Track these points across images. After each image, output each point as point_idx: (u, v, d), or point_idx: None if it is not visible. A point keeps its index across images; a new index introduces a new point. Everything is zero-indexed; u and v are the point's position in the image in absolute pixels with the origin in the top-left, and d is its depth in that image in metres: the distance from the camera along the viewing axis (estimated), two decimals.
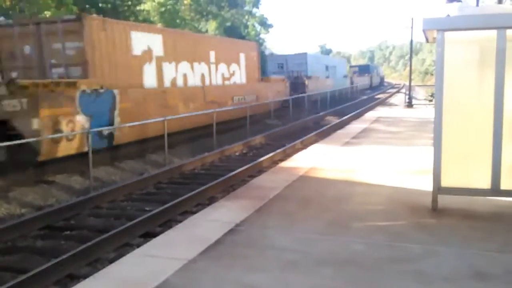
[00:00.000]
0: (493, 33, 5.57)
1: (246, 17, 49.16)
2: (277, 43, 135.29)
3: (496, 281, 4.09)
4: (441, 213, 5.93)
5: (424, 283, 4.07)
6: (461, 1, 8.47)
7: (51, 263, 6.18)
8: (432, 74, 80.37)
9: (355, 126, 16.39)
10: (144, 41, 14.72)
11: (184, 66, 16.96)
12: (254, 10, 50.40)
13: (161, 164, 13.53)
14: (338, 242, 5.06)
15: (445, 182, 5.90)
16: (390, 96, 46.34)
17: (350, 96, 42.43)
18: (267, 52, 44.23)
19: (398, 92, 54.93)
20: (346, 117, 23.70)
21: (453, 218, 5.78)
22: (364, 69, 62.21)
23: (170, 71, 16.08)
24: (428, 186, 6.21)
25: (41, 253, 7.13)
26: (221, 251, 4.82)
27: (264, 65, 31.13)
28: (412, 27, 30.61)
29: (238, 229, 5.49)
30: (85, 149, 11.15)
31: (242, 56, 21.88)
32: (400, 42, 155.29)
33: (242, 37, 41.82)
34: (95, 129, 11.69)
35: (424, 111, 22.56)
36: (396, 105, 33.56)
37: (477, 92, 5.93)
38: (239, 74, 21.54)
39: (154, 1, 33.73)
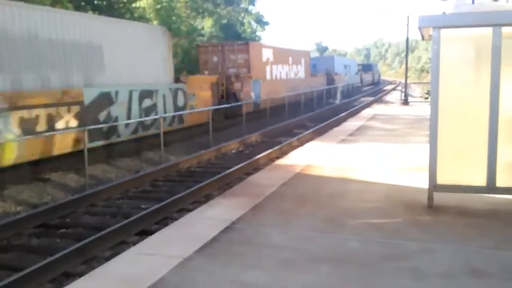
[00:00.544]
0: (489, 30, 5.57)
1: (242, 14, 49.09)
2: (274, 40, 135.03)
3: (492, 278, 4.10)
4: (437, 210, 5.94)
5: (420, 280, 4.07)
6: None
7: (47, 261, 6.17)
8: (428, 72, 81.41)
9: (351, 124, 16.40)
10: (266, 53, 25.78)
11: (281, 67, 28.20)
12: (250, 7, 50.34)
13: (157, 162, 13.51)
14: (334, 239, 5.07)
15: (441, 179, 5.91)
16: (386, 94, 49.59)
17: (360, 89, 53.26)
18: None
19: (394, 89, 56.50)
20: (343, 113, 23.91)
21: (448, 215, 5.79)
22: (367, 67, 69.29)
23: (275, 70, 27.15)
24: (424, 183, 6.21)
25: (36, 251, 7.12)
26: (217, 249, 4.82)
27: None
28: (408, 25, 30.59)
29: (234, 226, 5.48)
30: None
31: (302, 60, 32.78)
32: (396, 40, 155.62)
33: (238, 35, 41.79)
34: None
35: (420, 109, 22.60)
36: (392, 102, 33.64)
37: (473, 90, 5.94)
38: (302, 71, 32.60)
39: None
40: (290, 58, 30.01)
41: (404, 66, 35.31)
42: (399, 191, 6.95)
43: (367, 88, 58.06)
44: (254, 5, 50.41)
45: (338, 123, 18.59)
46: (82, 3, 25.59)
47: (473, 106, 5.86)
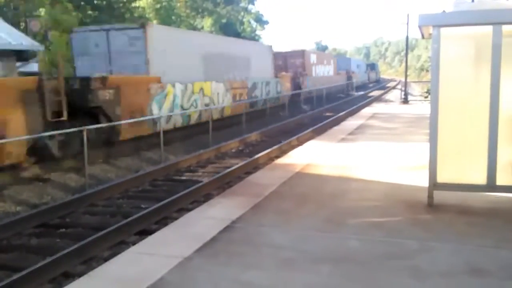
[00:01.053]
0: (489, 28, 5.56)
1: (242, 13, 49.13)
2: (273, 39, 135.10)
3: (491, 277, 4.09)
4: (437, 209, 5.94)
5: (420, 279, 4.07)
6: None
7: (46, 261, 6.16)
8: (427, 70, 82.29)
9: (351, 123, 16.39)
10: (312, 57, 35.25)
11: (320, 67, 37.07)
12: (250, 6, 50.41)
13: (157, 161, 13.50)
14: (335, 238, 5.06)
15: (441, 178, 5.90)
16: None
17: (367, 86, 62.45)
18: None
19: (394, 87, 58.13)
20: (342, 113, 23.90)
21: (449, 213, 5.78)
22: (372, 67, 78.05)
23: (317, 69, 36.24)
24: (424, 182, 6.20)
25: (36, 251, 7.10)
26: (217, 249, 4.81)
27: None
28: (407, 23, 30.57)
29: (234, 226, 5.47)
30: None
31: (332, 61, 42.58)
32: (396, 38, 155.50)
33: (237, 34, 41.78)
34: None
35: (420, 107, 22.58)
36: (392, 101, 33.61)
37: (473, 88, 5.93)
38: (331, 70, 41.94)
39: None
40: (325, 60, 40.27)
41: (404, 64, 35.43)
42: (399, 190, 6.94)
43: (372, 85, 65.93)
44: (253, 4, 50.53)
45: (337, 122, 18.57)
46: (82, 3, 25.56)
47: (473, 104, 5.85)
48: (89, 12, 26.42)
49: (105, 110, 12.95)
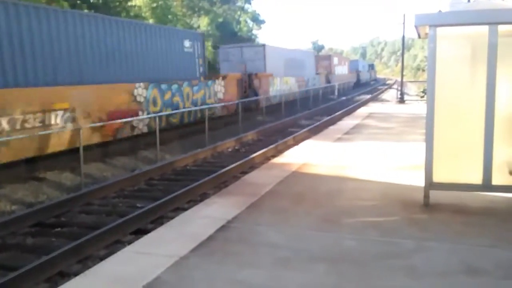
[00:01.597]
0: (485, 28, 5.57)
1: (238, 13, 49.10)
2: (270, 39, 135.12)
3: (488, 276, 4.10)
4: (433, 208, 5.95)
5: (416, 278, 4.07)
6: None
7: (42, 260, 6.14)
8: (424, 70, 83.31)
9: (347, 122, 16.41)
10: (335, 60, 47.87)
11: (339, 67, 48.93)
12: (246, 6, 50.37)
13: (153, 161, 13.49)
14: (331, 238, 5.06)
15: (437, 178, 5.91)
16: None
17: (369, 83, 73.61)
18: None
19: (390, 87, 60.44)
20: (338, 113, 23.95)
21: (445, 213, 5.79)
22: (371, 67, 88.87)
23: (337, 69, 47.36)
24: (420, 182, 6.21)
25: (31, 250, 7.08)
26: (213, 248, 4.80)
27: None
28: (404, 23, 30.68)
29: (230, 225, 5.47)
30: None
31: (347, 63, 54.89)
32: (392, 38, 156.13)
33: (234, 33, 41.76)
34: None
35: (416, 107, 22.64)
36: (388, 101, 33.68)
37: (469, 88, 5.94)
38: (346, 70, 53.42)
39: None
40: (342, 62, 52.86)
41: (400, 64, 35.79)
42: (395, 190, 6.95)
43: (373, 83, 78.10)
44: (250, 4, 50.44)
45: (333, 122, 18.59)
46: (78, 1, 25.46)
47: (469, 104, 5.86)
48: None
49: (256, 90, 24.79)
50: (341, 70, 50.30)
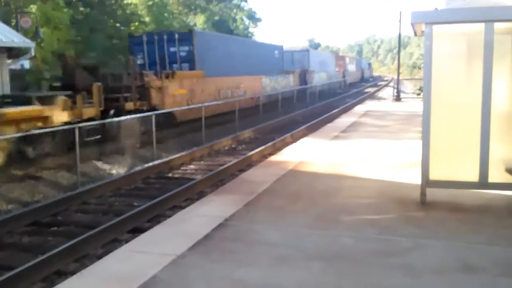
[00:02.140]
0: (481, 26, 5.57)
1: (235, 11, 49.04)
2: (266, 37, 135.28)
3: (484, 274, 4.11)
4: (430, 206, 5.96)
5: (413, 276, 4.07)
6: None
7: (38, 259, 6.12)
8: (420, 68, 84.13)
9: (344, 120, 16.42)
10: (347, 60, 60.19)
11: (350, 65, 60.06)
12: (243, 4, 50.30)
13: (150, 159, 13.46)
14: (328, 236, 5.06)
15: (434, 175, 5.92)
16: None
17: (369, 79, 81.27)
18: None
19: (386, 85, 62.84)
20: (335, 110, 24.02)
21: (441, 211, 5.80)
22: (370, 65, 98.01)
23: (349, 67, 58.65)
24: (417, 180, 6.22)
25: (28, 249, 7.06)
26: (210, 246, 4.80)
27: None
28: (400, 21, 30.70)
29: (227, 223, 5.46)
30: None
31: (355, 61, 67.64)
32: (388, 36, 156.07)
33: (230, 31, 41.70)
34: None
35: (412, 105, 22.66)
36: (384, 98, 33.72)
37: (465, 85, 5.95)
38: (354, 68, 64.31)
39: None
40: (351, 61, 64.37)
41: (396, 62, 35.85)
42: (392, 187, 6.96)
43: (372, 79, 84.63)
44: (246, 2, 50.40)
45: (330, 119, 18.61)
46: (73, 0, 25.35)
47: (465, 102, 5.87)
48: (81, 8, 26.24)
49: (307, 81, 35.12)
50: (351, 68, 61.93)
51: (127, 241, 6.27)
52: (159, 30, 23.46)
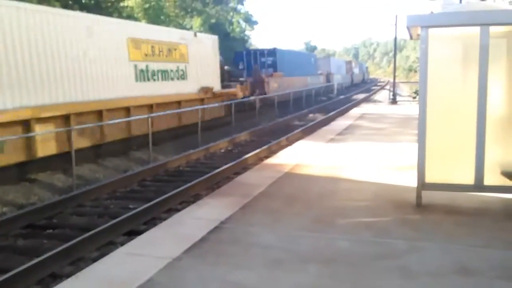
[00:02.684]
0: (477, 30, 5.59)
1: (231, 13, 49.05)
2: (263, 39, 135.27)
3: (480, 276, 4.12)
4: (426, 208, 5.96)
5: (409, 279, 4.08)
6: None
7: (33, 262, 6.09)
8: (416, 71, 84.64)
9: (340, 123, 16.43)
10: (353, 63, 71.74)
11: (355, 68, 70.88)
12: (239, 7, 50.32)
13: (146, 162, 13.44)
14: (323, 239, 5.06)
15: (429, 178, 5.93)
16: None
17: (367, 81, 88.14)
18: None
19: (382, 88, 65.47)
20: (332, 113, 24.05)
21: (437, 213, 5.80)
22: (366, 68, 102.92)
23: (355, 69, 69.81)
24: (413, 182, 6.23)
25: (23, 252, 7.03)
26: (206, 249, 4.79)
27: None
28: (396, 24, 30.76)
29: (223, 226, 5.45)
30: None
31: (358, 65, 78.24)
32: (385, 39, 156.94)
33: (227, 34, 41.71)
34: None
35: (408, 108, 22.71)
36: (380, 101, 33.79)
37: (461, 89, 5.96)
38: (358, 70, 72.94)
39: None
40: (356, 65, 72.63)
41: (392, 65, 36.00)
42: (388, 190, 6.96)
43: (369, 81, 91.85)
44: (242, 4, 50.37)
45: (326, 122, 18.62)
46: (70, 2, 25.33)
47: (461, 105, 5.88)
48: (77, 11, 26.17)
49: (331, 81, 46.61)
50: (356, 70, 70.95)
51: (122, 244, 6.26)
52: (255, 48, 39.93)
